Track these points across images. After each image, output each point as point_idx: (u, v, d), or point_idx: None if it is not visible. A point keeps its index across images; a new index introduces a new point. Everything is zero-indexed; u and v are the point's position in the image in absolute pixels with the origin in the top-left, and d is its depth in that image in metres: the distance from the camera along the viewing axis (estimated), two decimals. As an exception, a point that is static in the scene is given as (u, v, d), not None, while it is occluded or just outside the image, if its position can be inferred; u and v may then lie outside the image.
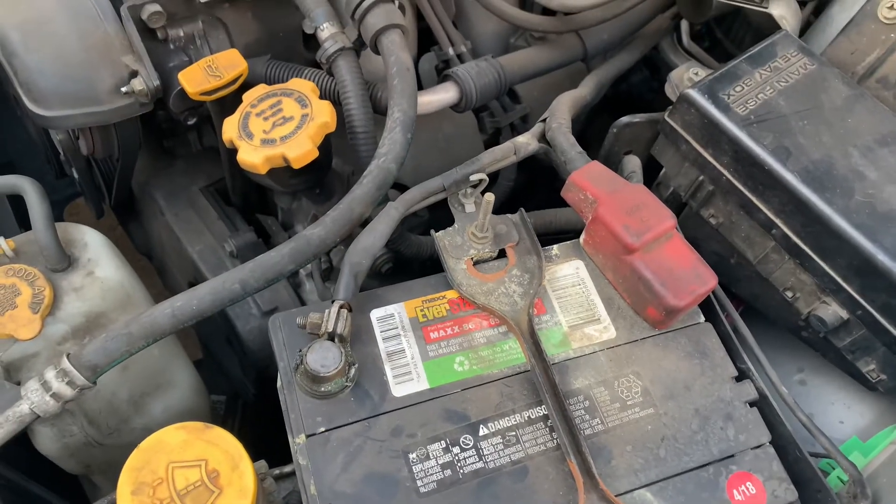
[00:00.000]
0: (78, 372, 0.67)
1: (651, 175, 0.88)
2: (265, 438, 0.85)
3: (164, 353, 0.86)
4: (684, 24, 1.09)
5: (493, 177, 1.09)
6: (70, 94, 0.85)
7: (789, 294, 0.77)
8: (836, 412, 0.85)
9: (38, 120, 0.86)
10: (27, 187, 0.80)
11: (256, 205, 1.18)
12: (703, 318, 0.73)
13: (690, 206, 0.83)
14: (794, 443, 0.69)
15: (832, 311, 0.73)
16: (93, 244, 0.84)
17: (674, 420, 0.67)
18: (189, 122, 0.97)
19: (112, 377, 0.80)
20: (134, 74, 0.86)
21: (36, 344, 0.77)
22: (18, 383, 0.76)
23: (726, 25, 1.15)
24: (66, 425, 0.77)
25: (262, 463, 0.75)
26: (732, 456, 0.66)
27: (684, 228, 0.84)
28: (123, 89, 0.86)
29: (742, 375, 0.71)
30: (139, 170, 1.12)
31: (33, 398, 0.66)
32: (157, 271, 1.31)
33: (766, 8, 0.88)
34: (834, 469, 0.75)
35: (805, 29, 0.96)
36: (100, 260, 0.83)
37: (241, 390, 1.20)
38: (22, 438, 0.80)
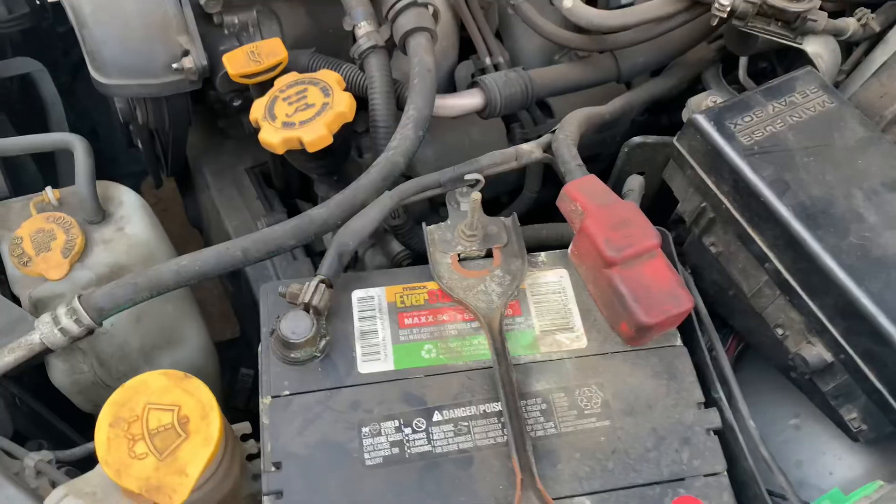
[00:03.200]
0: (85, 312, 0.73)
1: (665, 198, 0.88)
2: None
3: (178, 311, 0.92)
4: (743, 59, 1.08)
5: (518, 188, 1.11)
6: (128, 65, 0.94)
7: (779, 331, 0.76)
8: (826, 462, 0.82)
9: (98, 87, 0.95)
10: (76, 144, 0.88)
11: (298, 191, 1.24)
12: (679, 342, 0.73)
13: (693, 233, 0.83)
14: (755, 478, 0.67)
15: (816, 352, 0.71)
16: (128, 203, 0.91)
17: (629, 435, 0.67)
18: (235, 104, 1.04)
19: (126, 326, 0.87)
20: (185, 53, 0.94)
21: (62, 285, 0.85)
22: (41, 318, 0.83)
23: (788, 62, 1.13)
24: (77, 362, 0.84)
25: (246, 424, 0.80)
26: (682, 479, 0.65)
27: (689, 255, 0.84)
28: (174, 66, 0.93)
29: (710, 404, 0.70)
30: (193, 145, 1.20)
31: (43, 329, 0.73)
32: (205, 243, 1.40)
33: (801, 45, 0.87)
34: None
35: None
36: (132, 218, 0.90)
37: (262, 363, 1.25)
38: (45, 373, 0.89)
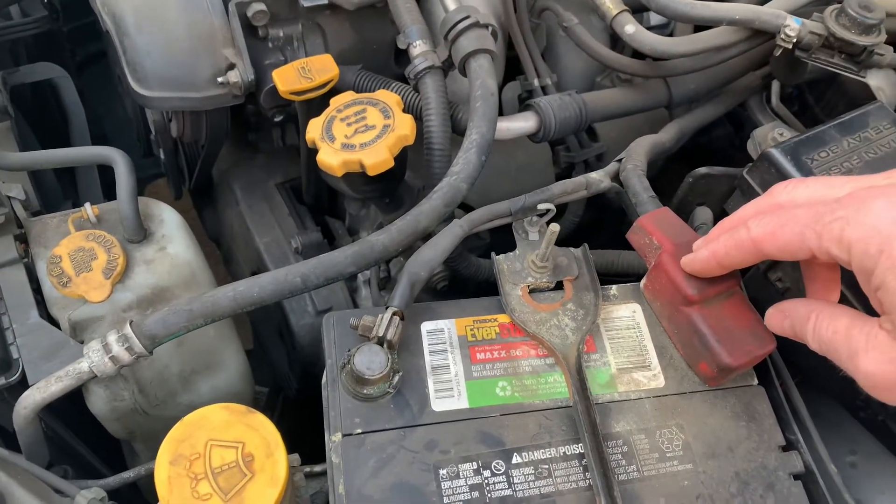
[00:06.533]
0: (137, 339, 0.70)
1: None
2: (301, 436, 0.87)
3: (219, 336, 0.88)
4: (775, 85, 1.08)
5: (561, 210, 1.09)
6: (171, 77, 0.90)
7: (851, 371, 0.74)
8: (885, 502, 0.81)
9: (138, 98, 0.91)
10: (118, 159, 0.84)
11: (327, 207, 1.21)
12: (756, 381, 0.71)
13: (758, 267, 0.81)
14: (840, 525, 0.66)
15: (895, 394, 0.70)
16: (169, 221, 0.88)
17: (712, 479, 0.65)
18: (276, 119, 1.01)
19: (167, 350, 0.83)
20: (231, 67, 0.90)
21: (103, 308, 0.81)
22: (82, 342, 0.79)
23: (819, 91, 1.13)
24: (118, 389, 0.80)
25: (296, 456, 0.77)
26: (769, 527, 0.64)
27: (748, 288, 0.82)
28: (220, 80, 0.90)
29: (790, 446, 0.69)
30: (221, 158, 1.16)
31: (93, 358, 0.70)
32: (224, 258, 1.36)
33: (864, 77, 0.87)
34: (876, 560, 0.71)
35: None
36: (173, 237, 0.86)
37: (285, 384, 1.22)
38: (74, 398, 0.84)
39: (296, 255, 1.08)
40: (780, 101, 1.07)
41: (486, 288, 0.92)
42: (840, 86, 1.06)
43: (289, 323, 1.04)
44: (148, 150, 1.32)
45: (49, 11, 1.30)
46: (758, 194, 0.77)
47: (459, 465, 0.63)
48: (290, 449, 0.73)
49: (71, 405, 0.86)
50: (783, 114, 1.06)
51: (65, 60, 1.53)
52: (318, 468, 0.78)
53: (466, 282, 0.96)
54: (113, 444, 1.01)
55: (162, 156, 1.21)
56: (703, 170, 0.84)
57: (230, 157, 1.18)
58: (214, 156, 1.10)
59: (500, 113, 1.01)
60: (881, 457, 0.81)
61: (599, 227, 1.14)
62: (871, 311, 0.56)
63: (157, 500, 0.60)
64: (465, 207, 0.95)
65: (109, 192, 1.28)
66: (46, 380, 0.70)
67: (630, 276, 0.90)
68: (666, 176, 1.21)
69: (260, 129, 1.16)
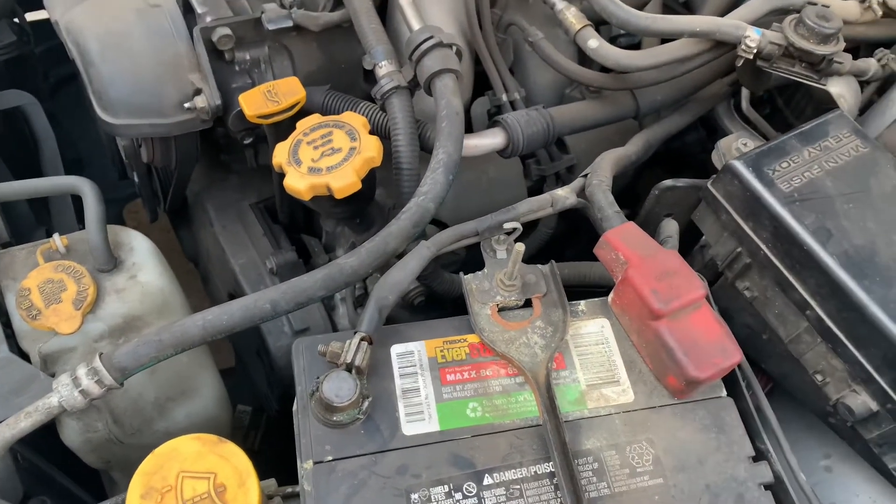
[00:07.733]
0: (107, 372, 0.69)
1: (690, 240, 0.88)
2: (284, 455, 0.87)
3: (193, 362, 0.88)
4: (745, 90, 1.09)
5: (533, 223, 1.10)
6: (137, 105, 0.90)
7: (819, 378, 0.75)
8: (860, 505, 0.82)
9: (105, 127, 0.91)
10: (86, 189, 0.84)
11: (302, 225, 1.21)
12: (724, 393, 0.72)
13: (726, 277, 0.82)
14: (810, 533, 0.67)
15: (861, 401, 0.71)
16: (139, 249, 0.87)
17: (682, 493, 0.65)
18: (246, 142, 1.01)
19: (140, 379, 0.82)
20: (198, 92, 0.90)
21: (74, 339, 0.80)
22: (53, 375, 0.79)
23: (788, 94, 1.14)
24: (91, 421, 0.80)
25: (272, 482, 0.77)
26: (739, 538, 0.64)
27: (718, 298, 0.84)
28: (186, 105, 0.90)
29: (759, 456, 0.69)
30: (194, 180, 1.16)
31: (63, 392, 0.69)
32: (202, 278, 1.35)
33: (825, 85, 0.87)
34: (849, 565, 0.72)
35: (867, 108, 0.95)
36: (144, 265, 0.86)
37: (266, 404, 1.22)
38: (50, 428, 0.84)
39: (271, 276, 1.08)
40: (750, 105, 1.08)
41: (463, 303, 0.93)
42: (807, 90, 1.07)
43: (266, 344, 1.03)
44: (123, 173, 1.32)
45: (18, 36, 1.30)
46: (722, 206, 0.78)
47: (431, 489, 0.63)
48: (275, 468, 0.74)
49: (46, 435, 0.86)
50: (753, 118, 1.07)
51: (38, 84, 1.52)
52: (297, 489, 0.78)
53: (443, 297, 0.96)
54: (93, 470, 1.01)
55: (136, 179, 1.21)
56: (668, 182, 0.85)
57: (203, 178, 1.17)
58: (187, 178, 1.10)
59: (470, 129, 1.02)
60: (855, 460, 0.82)
61: (573, 237, 1.15)
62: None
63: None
64: (438, 223, 0.96)
65: (83, 217, 1.28)
66: (16, 416, 0.69)
67: (603, 287, 0.90)
68: (640, 181, 1.22)
69: (231, 150, 1.16)
